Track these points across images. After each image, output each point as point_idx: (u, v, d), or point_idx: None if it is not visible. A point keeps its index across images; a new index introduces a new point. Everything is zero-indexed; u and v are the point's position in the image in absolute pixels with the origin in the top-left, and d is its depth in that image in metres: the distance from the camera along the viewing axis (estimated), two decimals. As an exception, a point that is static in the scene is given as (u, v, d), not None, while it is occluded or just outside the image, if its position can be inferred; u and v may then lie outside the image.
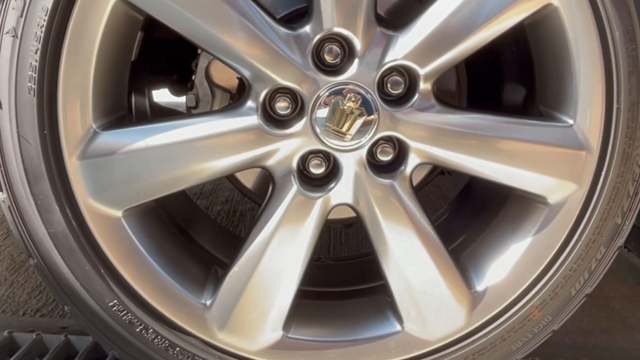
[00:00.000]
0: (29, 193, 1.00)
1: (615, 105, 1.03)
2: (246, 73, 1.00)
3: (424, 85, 1.02)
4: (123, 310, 1.05)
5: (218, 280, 1.10)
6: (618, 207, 1.07)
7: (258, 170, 1.32)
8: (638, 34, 1.01)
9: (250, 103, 1.01)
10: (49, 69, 0.95)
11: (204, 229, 1.34)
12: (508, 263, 1.10)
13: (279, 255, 1.06)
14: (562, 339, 1.50)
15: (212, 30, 0.97)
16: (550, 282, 1.09)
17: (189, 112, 1.20)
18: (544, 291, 1.09)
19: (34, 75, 0.95)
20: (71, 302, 1.06)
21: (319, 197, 1.05)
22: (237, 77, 1.19)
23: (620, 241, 1.10)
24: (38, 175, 0.99)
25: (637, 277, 1.28)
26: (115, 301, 1.05)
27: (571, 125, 1.04)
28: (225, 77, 1.18)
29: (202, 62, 1.16)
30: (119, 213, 1.03)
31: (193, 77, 1.17)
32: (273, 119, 1.03)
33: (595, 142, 1.04)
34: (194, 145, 1.01)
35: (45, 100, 0.96)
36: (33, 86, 0.96)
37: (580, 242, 1.08)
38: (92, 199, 1.01)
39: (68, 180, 1.00)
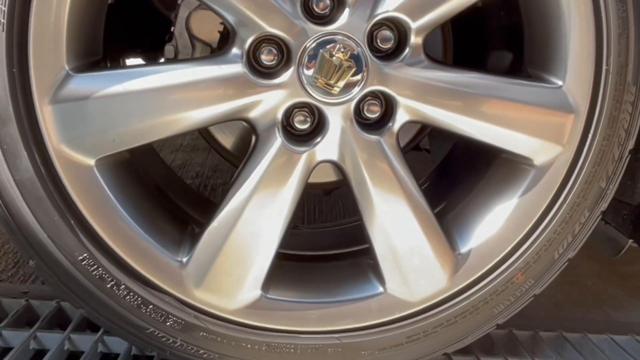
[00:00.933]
0: (-6, 137, 0.93)
1: (604, 67, 1.02)
2: (231, 19, 0.95)
3: (414, 40, 0.99)
4: (93, 265, 1.00)
5: (195, 237, 1.05)
6: (603, 171, 1.07)
7: (237, 130, 1.28)
8: (629, -5, 1.00)
9: (235, 50, 0.97)
10: (21, 1, 0.89)
11: (178, 188, 1.29)
12: (492, 225, 1.09)
13: (261, 211, 1.02)
14: (537, 312, 1.50)
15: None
16: (534, 245, 1.08)
17: (168, 63, 1.14)
18: (527, 254, 1.08)
19: (3, 8, 0.89)
20: (37, 256, 1.00)
21: (304, 152, 1.01)
22: (219, 31, 1.14)
23: (604, 206, 1.10)
24: (5, 118, 0.93)
25: (614, 249, 1.29)
26: (85, 255, 0.99)
27: (560, 87, 1.03)
28: (206, 30, 1.13)
29: (183, 12, 1.11)
30: (91, 162, 0.97)
31: (172, 28, 1.12)
32: (258, 69, 0.98)
33: (583, 104, 1.04)
34: (176, 93, 0.96)
35: (15, 35, 0.90)
36: (2, 20, 0.89)
37: (565, 205, 1.07)
38: (63, 145, 0.95)
39: (38, 125, 0.94)
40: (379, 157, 1.03)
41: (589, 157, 1.05)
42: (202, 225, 1.04)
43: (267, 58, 0.98)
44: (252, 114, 0.99)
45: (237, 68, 0.97)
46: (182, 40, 1.12)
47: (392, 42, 1.00)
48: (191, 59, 0.99)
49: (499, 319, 1.12)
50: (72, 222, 0.97)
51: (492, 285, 1.09)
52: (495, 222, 1.09)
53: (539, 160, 1.06)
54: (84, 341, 1.17)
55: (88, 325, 1.26)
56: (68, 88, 0.93)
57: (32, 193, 0.96)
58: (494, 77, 1.04)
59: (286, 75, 0.97)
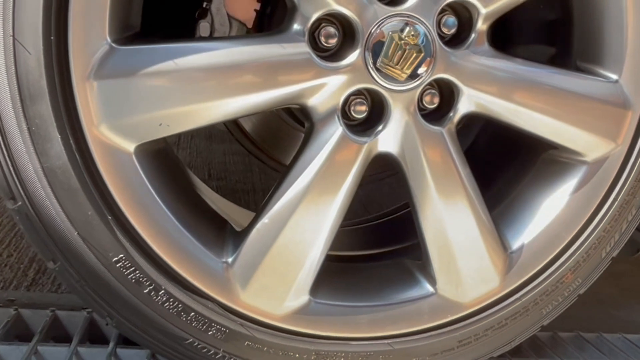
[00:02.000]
0: (20, 115, 0.79)
1: (660, 63, 1.01)
2: (294, -9, 0.86)
3: (481, 26, 0.94)
4: (130, 267, 0.87)
5: (239, 236, 0.95)
6: (652, 168, 1.06)
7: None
8: (685, -9, 1.00)
9: (296, 27, 0.88)
10: (65, -42, 0.76)
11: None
12: (544, 223, 1.05)
13: (316, 207, 0.93)
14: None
15: None
16: (586, 244, 1.06)
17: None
18: (578, 253, 1.06)
19: (43, -37, 0.75)
20: (63, 257, 0.86)
21: (366, 143, 0.93)
22: (255, 10, 1.04)
23: (648, 203, 1.09)
24: (36, 94, 0.79)
25: (631, 249, 1.30)
26: (121, 255, 0.86)
27: (617, 81, 1.01)
28: (243, 8, 1.02)
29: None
30: (131, 148, 0.84)
31: (204, 4, 1.01)
32: (320, 50, 0.90)
33: (638, 100, 1.02)
34: (232, 73, 0.85)
35: (55, -3, 0.77)
36: (41, -22, 0.75)
37: (616, 203, 1.05)
38: (102, 127, 0.82)
39: (74, 103, 0.81)
40: (440, 149, 0.97)
41: (640, 155, 1.04)
42: (249, 222, 0.93)
43: (330, 39, 0.89)
44: (312, 100, 0.90)
45: (301, 48, 0.88)
46: (219, 17, 1.01)
47: (455, 27, 0.95)
48: (249, 36, 0.89)
49: (545, 320, 1.09)
50: (109, 217, 0.84)
51: (543, 285, 1.06)
52: (546, 219, 1.05)
53: (592, 155, 1.03)
54: (95, 355, 1.03)
55: (90, 338, 1.12)
56: (112, 62, 0.81)
57: (63, 183, 0.82)
58: (557, 69, 1.00)
59: (351, 58, 0.89)
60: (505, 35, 1.28)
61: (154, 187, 0.87)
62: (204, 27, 1.01)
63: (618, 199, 1.05)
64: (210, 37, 0.83)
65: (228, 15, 1.01)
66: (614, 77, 1.02)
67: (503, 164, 1.18)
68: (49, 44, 0.77)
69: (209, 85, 0.85)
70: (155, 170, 0.89)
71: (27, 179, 0.82)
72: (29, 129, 0.80)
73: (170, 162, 0.97)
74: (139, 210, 0.86)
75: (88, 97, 0.80)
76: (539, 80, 0.99)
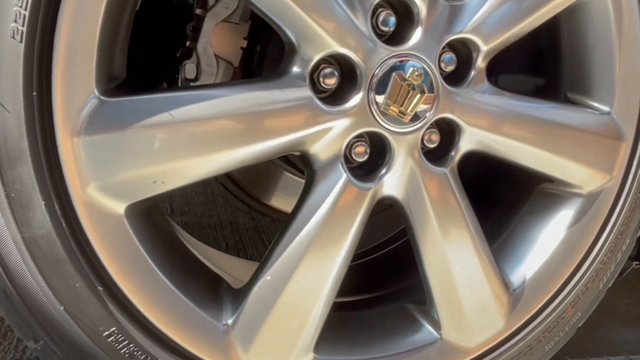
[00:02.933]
0: (-3, 181, 0.70)
1: (648, 94, 1.02)
2: (293, 32, 0.81)
3: (481, 64, 0.92)
4: (123, 341, 0.78)
5: (238, 295, 0.87)
6: (643, 198, 1.06)
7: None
8: (670, 23, 1.01)
9: (296, 70, 0.82)
10: (47, 5, 0.67)
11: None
12: (543, 259, 1.03)
13: (321, 259, 0.87)
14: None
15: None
16: (585, 278, 1.05)
17: (188, 84, 0.95)
18: (578, 287, 1.05)
19: (22, 11, 0.66)
20: (46, 335, 0.76)
21: (371, 188, 0.88)
22: (241, 47, 0.97)
23: (639, 232, 1.09)
24: (16, 156, 0.69)
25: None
26: (113, 329, 0.78)
27: (609, 113, 1.01)
28: (230, 46, 0.96)
29: (208, 25, 0.92)
30: (121, 209, 0.76)
31: (187, 43, 0.93)
32: (320, 91, 0.84)
33: (630, 131, 1.02)
34: (233, 121, 0.79)
35: (37, 48, 0.68)
36: (20, 27, 0.66)
37: (612, 234, 1.05)
38: (91, 188, 0.73)
39: (59, 164, 0.72)
40: (445, 191, 0.93)
41: (634, 185, 1.04)
42: (249, 279, 0.86)
43: (330, 81, 0.84)
44: (315, 147, 0.85)
45: (303, 92, 0.82)
46: (206, 57, 0.93)
47: (455, 65, 0.92)
48: (247, 82, 0.82)
49: (547, 357, 1.07)
50: (99, 288, 0.76)
51: (545, 322, 1.04)
52: (545, 254, 1.04)
53: (589, 188, 1.02)
54: None
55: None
56: (101, 116, 0.72)
57: (47, 254, 0.73)
58: (553, 103, 0.99)
59: (355, 101, 0.84)
60: (493, 64, 1.26)
61: (147, 250, 0.79)
62: (189, 69, 0.94)
63: (614, 231, 1.05)
64: (208, 85, 0.77)
65: (215, 54, 0.94)
66: (606, 109, 1.01)
67: (498, 194, 1.16)
68: (31, 101, 0.68)
69: (208, 136, 0.78)
70: (146, 230, 0.81)
71: (5, 251, 0.72)
72: (7, 195, 0.70)
73: (158, 217, 0.89)
74: (132, 277, 0.78)
75: (75, 157, 0.72)
76: (537, 115, 0.97)
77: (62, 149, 0.71)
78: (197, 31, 0.93)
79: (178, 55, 0.95)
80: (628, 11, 0.98)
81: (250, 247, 1.56)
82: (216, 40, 0.95)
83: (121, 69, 0.79)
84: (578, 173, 1.01)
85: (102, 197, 0.74)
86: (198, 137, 0.77)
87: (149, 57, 0.99)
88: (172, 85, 1.00)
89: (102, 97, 0.72)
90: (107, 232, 0.75)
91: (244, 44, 0.97)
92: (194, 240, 1.03)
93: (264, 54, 0.97)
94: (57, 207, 0.72)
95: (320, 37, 0.81)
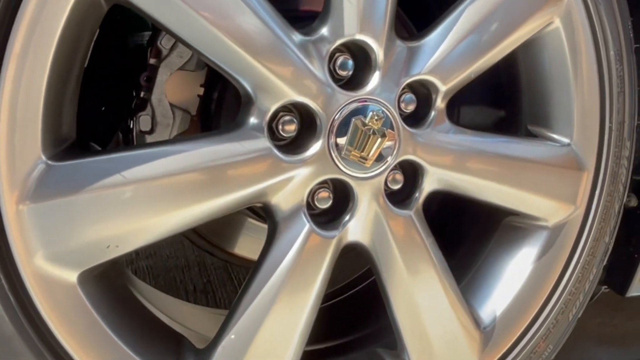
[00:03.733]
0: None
1: (607, 125, 1.03)
2: (249, 83, 0.78)
3: (441, 104, 0.91)
4: (81, 418, 0.74)
5: (201, 355, 0.84)
6: (607, 227, 1.07)
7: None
8: (624, 55, 1.02)
9: (253, 121, 0.80)
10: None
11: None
12: (512, 294, 1.03)
13: (287, 312, 0.84)
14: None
15: (214, 26, 0.74)
16: (554, 310, 1.04)
17: (143, 138, 0.92)
18: (548, 320, 1.04)
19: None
20: (-2, 416, 0.71)
21: (335, 236, 0.86)
22: (198, 95, 0.95)
23: (605, 261, 1.09)
24: (-45, 230, 0.65)
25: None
26: (70, 408, 0.73)
27: (569, 144, 1.01)
28: (186, 94, 0.93)
29: (163, 75, 0.89)
30: (74, 277, 0.72)
31: (142, 94, 0.90)
32: (280, 143, 0.82)
33: (591, 161, 1.03)
34: (189, 178, 0.76)
35: (-25, 116, 0.64)
36: (-44, 95, 0.63)
37: (579, 265, 1.05)
38: (40, 258, 0.69)
39: (5, 234, 0.68)
40: (410, 233, 0.91)
41: (597, 214, 1.05)
42: (213, 338, 0.83)
43: (289, 129, 0.82)
44: (275, 197, 0.82)
45: (261, 143, 0.79)
46: (161, 108, 0.90)
47: (415, 106, 0.91)
48: (203, 136, 0.79)
49: (522, 392, 1.06)
50: (53, 365, 0.71)
51: (518, 358, 1.02)
52: (514, 290, 1.03)
53: (553, 220, 1.02)
54: None
55: None
56: (49, 182, 0.69)
57: (-7, 332, 0.68)
58: (515, 138, 0.99)
59: (315, 149, 0.82)
60: (456, 97, 1.27)
61: (103, 317, 0.76)
62: (144, 121, 0.90)
63: (580, 261, 1.05)
64: (161, 142, 0.74)
65: (170, 104, 0.91)
66: (566, 140, 1.02)
67: (465, 229, 1.15)
68: (-31, 171, 0.65)
69: (163, 195, 0.74)
70: (102, 295, 0.77)
71: (-52, 331, 0.67)
72: (-53, 273, 0.66)
73: (115, 277, 0.85)
74: (88, 349, 0.74)
75: (21, 225, 0.68)
76: (498, 151, 0.97)
77: (8, 218, 0.67)
78: (151, 81, 0.90)
79: (132, 106, 0.91)
80: (582, 44, 0.98)
81: (219, 288, 1.52)
82: (172, 89, 0.92)
83: (70, 129, 0.76)
84: (542, 206, 1.01)
85: (53, 267, 0.70)
86: (152, 197, 0.74)
87: (101, 111, 0.96)
88: (128, 137, 0.97)
89: (49, 162, 0.69)
90: (59, 303, 0.71)
91: (201, 91, 0.94)
92: (157, 293, 0.99)
93: (222, 100, 0.94)
94: (3, 281, 0.68)
95: (276, 87, 0.79)
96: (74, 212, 0.70)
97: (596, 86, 1.00)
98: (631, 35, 1.03)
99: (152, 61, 0.91)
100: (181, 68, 0.91)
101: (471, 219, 1.12)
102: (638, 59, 1.07)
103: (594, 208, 1.04)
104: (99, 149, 0.97)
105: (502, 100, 1.12)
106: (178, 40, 0.75)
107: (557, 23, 0.96)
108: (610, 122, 1.03)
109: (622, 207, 1.08)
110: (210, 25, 0.74)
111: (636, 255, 1.17)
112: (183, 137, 0.94)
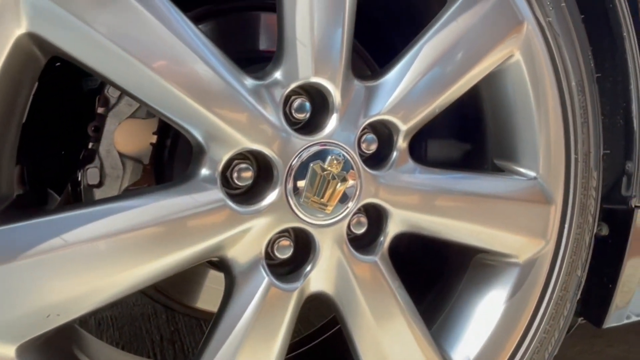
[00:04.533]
0: None
1: (573, 156, 1.01)
2: (200, 133, 0.74)
3: (402, 143, 0.88)
4: None
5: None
6: (579, 260, 1.04)
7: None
8: (586, 85, 1.01)
9: (205, 172, 0.76)
10: None
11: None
12: (485, 336, 0.99)
13: (249, 371, 0.79)
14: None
15: (157, 76, 0.70)
16: (530, 350, 1.01)
17: (91, 192, 0.87)
18: (524, 360, 1.01)
19: None
20: None
21: (296, 288, 0.82)
22: (151, 143, 0.90)
23: (578, 294, 1.07)
24: None
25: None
26: None
27: (535, 178, 0.99)
28: (138, 143, 0.88)
29: (112, 124, 0.85)
30: (11, 351, 0.67)
31: (90, 145, 0.85)
32: (234, 194, 0.78)
33: (558, 194, 1.00)
34: (139, 235, 0.71)
35: None
36: None
37: (552, 301, 1.02)
38: (-26, 335, 0.64)
39: None
40: (376, 279, 0.88)
41: (568, 248, 1.02)
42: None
43: (246, 176, 0.78)
44: (231, 251, 0.78)
45: (214, 195, 0.75)
46: (109, 159, 0.85)
47: (376, 147, 0.88)
48: (150, 190, 0.74)
49: None
50: None
51: (495, 402, 0.99)
52: (486, 331, 0.99)
53: (524, 257, 0.99)
54: None
55: None
56: (-20, 251, 0.63)
57: None
58: (480, 174, 0.96)
59: (272, 198, 0.78)
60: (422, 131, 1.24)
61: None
62: (92, 174, 0.85)
63: (553, 297, 1.02)
64: (107, 199, 0.69)
65: (120, 154, 0.86)
66: (532, 174, 0.99)
67: (435, 268, 1.11)
68: None
69: (110, 257, 0.69)
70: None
71: None
72: None
73: (60, 342, 0.79)
74: None
75: (-50, 301, 0.62)
76: (464, 189, 0.94)
77: None
78: (99, 131, 0.85)
79: (80, 158, 0.87)
80: (543, 76, 0.97)
81: (187, 336, 1.45)
82: (122, 138, 0.87)
83: (9, 188, 0.71)
84: (512, 242, 0.98)
85: (-12, 342, 0.65)
86: (98, 259, 0.69)
87: (47, 163, 0.91)
88: (76, 190, 0.91)
89: (-18, 228, 0.64)
90: (-4, 381, 0.66)
91: (154, 139, 0.90)
92: (112, 352, 0.93)
93: (176, 148, 0.90)
94: None
95: (228, 136, 0.75)
96: (9, 282, 0.64)
97: (559, 117, 0.99)
98: (592, 64, 1.02)
99: (100, 110, 0.86)
100: (131, 116, 0.86)
101: (442, 257, 1.09)
102: (600, 88, 1.05)
103: (564, 242, 1.02)
104: (42, 209, 0.92)
105: (468, 133, 1.10)
106: (121, 91, 0.71)
107: (518, 55, 0.95)
108: (576, 153, 1.01)
109: (593, 238, 1.06)
110: (154, 73, 0.70)
111: (610, 286, 1.15)
112: (131, 191, 0.89)
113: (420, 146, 1.20)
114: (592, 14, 1.02)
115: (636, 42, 1.04)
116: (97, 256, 0.69)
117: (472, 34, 0.90)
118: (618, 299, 1.14)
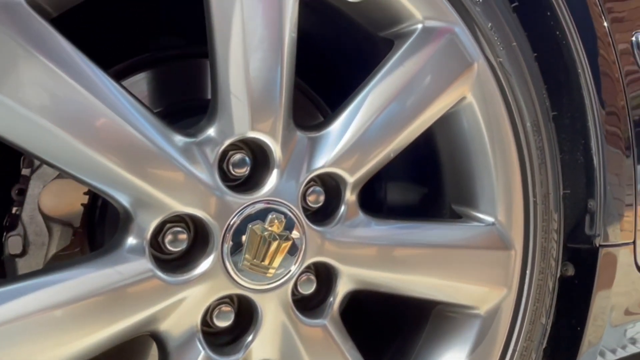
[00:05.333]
0: None
1: (532, 199, 0.97)
2: (125, 199, 0.68)
3: (350, 196, 0.83)
4: None
5: None
6: (542, 307, 1.00)
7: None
8: (542, 125, 0.97)
9: (132, 241, 0.69)
10: None
11: None
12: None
13: None
14: None
15: (73, 139, 0.64)
16: (496, 405, 0.95)
17: (14, 262, 0.79)
18: (491, 418, 0.95)
19: None
20: None
21: (238, 360, 0.76)
22: (82, 204, 0.84)
23: (544, 343, 1.02)
24: None
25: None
26: None
27: (493, 223, 0.95)
28: (67, 205, 0.81)
29: (36, 187, 0.78)
30: None
31: (14, 209, 0.78)
32: (164, 262, 0.72)
33: (518, 239, 0.96)
34: (59, 314, 0.64)
35: None
36: None
37: (517, 352, 0.97)
38: None
39: None
40: (327, 344, 0.82)
41: (531, 294, 0.98)
42: None
43: (179, 242, 0.72)
44: (164, 324, 0.71)
45: (141, 266, 0.69)
46: (33, 226, 0.78)
47: (322, 200, 0.82)
48: (72, 262, 0.67)
49: None
50: None
51: None
52: (450, 387, 0.94)
53: (485, 307, 0.94)
54: None
55: None
56: None
57: None
58: (434, 223, 0.92)
59: (206, 264, 0.72)
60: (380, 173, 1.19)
61: None
62: (14, 242, 0.78)
63: (518, 347, 0.97)
64: (24, 275, 0.62)
65: (46, 219, 0.79)
66: (490, 219, 0.95)
67: (396, 320, 1.06)
68: None
69: (27, 339, 0.63)
70: None
71: None
72: None
73: None
74: None
75: None
76: (419, 240, 0.89)
77: None
78: (23, 195, 0.78)
79: (3, 224, 0.79)
80: (497, 117, 0.93)
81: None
82: (49, 201, 0.80)
83: None
84: (471, 293, 0.93)
85: None
86: (11, 342, 0.62)
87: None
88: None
89: None
90: None
91: (86, 199, 0.83)
92: None
93: (109, 208, 0.84)
94: None
95: (156, 200, 0.69)
96: None
97: (516, 159, 0.95)
98: (547, 103, 0.99)
99: (24, 172, 0.79)
100: (60, 176, 0.80)
101: (400, 311, 1.04)
102: (559, 125, 1.02)
103: (526, 288, 0.97)
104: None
105: (426, 178, 1.05)
106: (34, 157, 0.65)
107: (470, 97, 0.91)
108: (535, 195, 0.97)
109: (557, 283, 1.02)
110: (69, 136, 0.64)
111: (579, 328, 1.10)
112: (52, 265, 0.82)
113: (380, 189, 1.15)
114: (545, 51, 0.99)
115: (591, 77, 1.01)
116: (15, 337, 0.62)
117: (420, 78, 0.86)
118: (591, 335, 1.10)
